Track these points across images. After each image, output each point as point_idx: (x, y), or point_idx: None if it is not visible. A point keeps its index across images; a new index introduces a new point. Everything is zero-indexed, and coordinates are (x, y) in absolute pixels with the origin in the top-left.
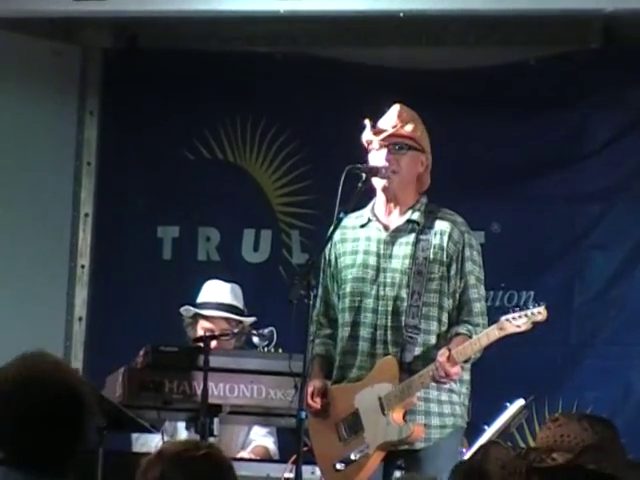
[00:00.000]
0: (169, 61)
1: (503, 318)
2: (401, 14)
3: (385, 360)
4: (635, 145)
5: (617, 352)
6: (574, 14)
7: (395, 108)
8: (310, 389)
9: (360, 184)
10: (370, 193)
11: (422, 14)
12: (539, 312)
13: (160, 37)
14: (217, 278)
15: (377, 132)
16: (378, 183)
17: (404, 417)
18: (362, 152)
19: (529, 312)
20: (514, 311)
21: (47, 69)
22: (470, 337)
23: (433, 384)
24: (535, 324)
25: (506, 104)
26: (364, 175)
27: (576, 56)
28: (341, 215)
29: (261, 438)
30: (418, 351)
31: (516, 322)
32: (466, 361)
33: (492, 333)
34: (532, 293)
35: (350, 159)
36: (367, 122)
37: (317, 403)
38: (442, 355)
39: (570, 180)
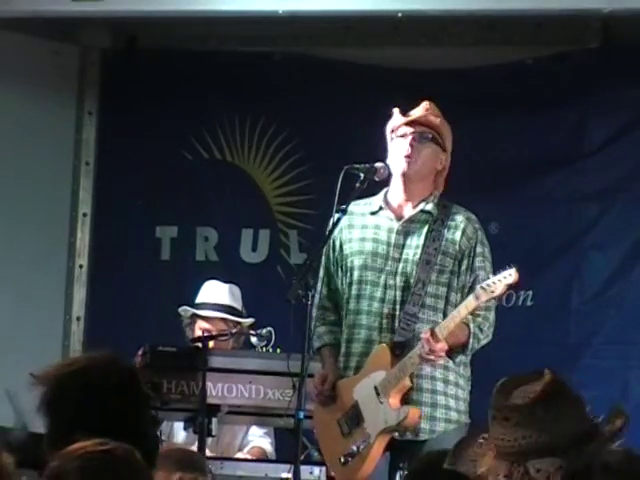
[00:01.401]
0: (167, 61)
1: (478, 287)
2: (399, 14)
3: (378, 348)
4: (634, 145)
5: (615, 352)
6: (573, 14)
7: (424, 103)
8: (322, 377)
9: (358, 184)
10: (369, 193)
11: (421, 14)
12: (510, 274)
13: (159, 37)
14: (215, 278)
15: (407, 117)
16: (397, 167)
17: (401, 401)
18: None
19: (501, 276)
20: (488, 279)
21: (46, 69)
22: (468, 325)
23: (439, 376)
24: (509, 287)
25: (504, 104)
26: (362, 175)
27: (575, 56)
28: (339, 215)
29: (258, 439)
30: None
31: (490, 288)
32: (463, 351)
33: (469, 303)
34: (530, 293)
35: (348, 159)
36: (396, 110)
37: (326, 390)
38: (425, 332)
39: (569, 180)
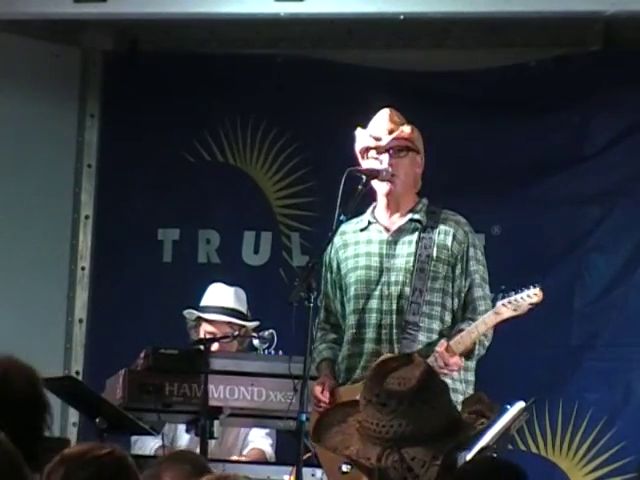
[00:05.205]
0: (169, 63)
1: (499, 303)
2: (401, 17)
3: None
4: (635, 147)
5: (617, 354)
6: (574, 16)
7: (385, 112)
8: (320, 386)
9: (360, 186)
10: (370, 195)
11: (423, 16)
12: (535, 294)
13: (160, 39)
14: (217, 281)
15: (377, 139)
16: (381, 188)
17: None
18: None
19: (525, 294)
20: (509, 295)
21: (47, 71)
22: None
23: None
24: (532, 306)
25: (506, 106)
26: (364, 177)
27: (576, 58)
28: (341, 217)
29: (259, 440)
30: (418, 348)
31: (512, 306)
32: (469, 357)
33: (489, 319)
34: None
35: (350, 161)
36: (360, 130)
37: (326, 397)
38: (441, 345)
39: (570, 182)
